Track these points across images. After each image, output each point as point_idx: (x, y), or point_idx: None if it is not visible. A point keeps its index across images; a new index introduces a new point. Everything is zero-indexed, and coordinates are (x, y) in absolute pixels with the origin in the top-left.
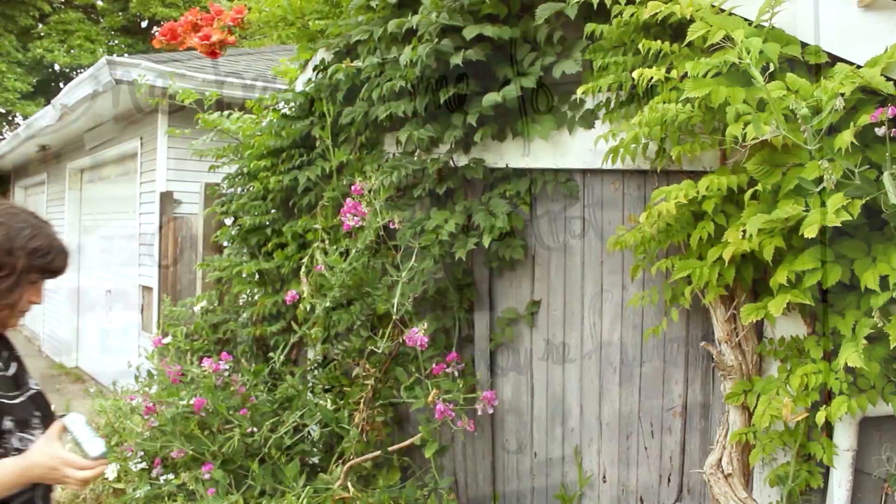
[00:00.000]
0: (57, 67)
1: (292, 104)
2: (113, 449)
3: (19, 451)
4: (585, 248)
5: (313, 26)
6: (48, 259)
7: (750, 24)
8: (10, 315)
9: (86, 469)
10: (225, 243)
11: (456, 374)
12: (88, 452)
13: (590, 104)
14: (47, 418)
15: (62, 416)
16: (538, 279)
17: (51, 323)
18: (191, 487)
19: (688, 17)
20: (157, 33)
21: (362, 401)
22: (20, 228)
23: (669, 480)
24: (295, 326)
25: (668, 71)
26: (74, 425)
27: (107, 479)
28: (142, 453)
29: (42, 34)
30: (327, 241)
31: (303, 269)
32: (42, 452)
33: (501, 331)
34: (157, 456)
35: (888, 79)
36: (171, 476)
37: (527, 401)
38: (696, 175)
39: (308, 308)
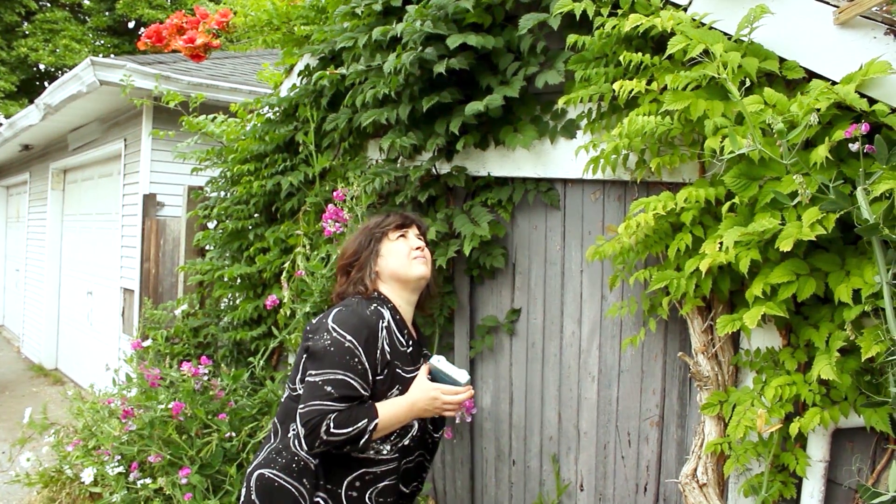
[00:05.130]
0: (41, 67)
1: (276, 109)
2: (90, 452)
3: None
4: (565, 258)
5: (298, 32)
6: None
7: (730, 39)
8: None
9: (459, 394)
10: (207, 246)
11: None
12: (458, 380)
13: (572, 114)
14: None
15: (427, 357)
16: (518, 288)
17: (31, 324)
18: (168, 492)
19: (668, 31)
20: (142, 35)
21: None
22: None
23: (646, 490)
24: (275, 331)
25: (649, 83)
26: (439, 364)
27: (83, 483)
28: (119, 457)
29: (27, 32)
30: (309, 247)
31: (284, 274)
32: (420, 388)
33: (481, 339)
34: (135, 460)
35: (862, 95)
36: (148, 480)
37: (506, 409)
38: (675, 186)
39: (288, 313)
